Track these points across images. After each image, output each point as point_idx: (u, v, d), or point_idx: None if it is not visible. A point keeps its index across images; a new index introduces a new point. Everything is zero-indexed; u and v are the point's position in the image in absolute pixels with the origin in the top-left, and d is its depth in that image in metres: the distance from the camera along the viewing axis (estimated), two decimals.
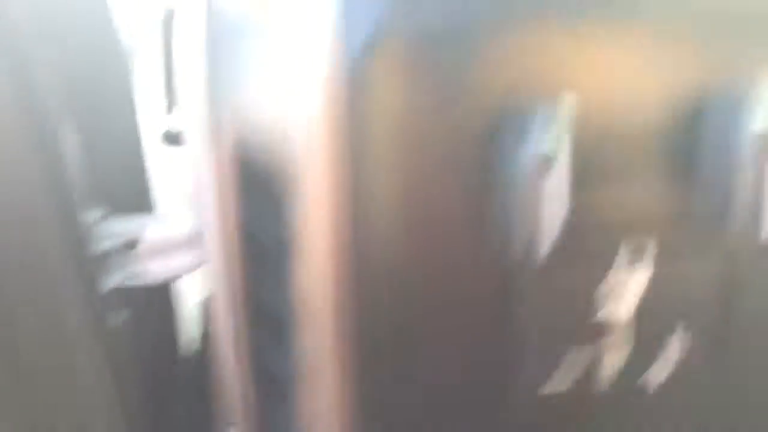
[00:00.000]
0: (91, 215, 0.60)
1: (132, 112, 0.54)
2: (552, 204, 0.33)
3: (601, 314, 0.37)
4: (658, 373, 0.39)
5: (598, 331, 0.38)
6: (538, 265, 0.34)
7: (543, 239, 0.33)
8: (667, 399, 0.39)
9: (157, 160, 0.57)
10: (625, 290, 0.37)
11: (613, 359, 0.38)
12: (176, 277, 0.53)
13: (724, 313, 0.38)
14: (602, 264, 0.37)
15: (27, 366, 0.53)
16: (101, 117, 0.53)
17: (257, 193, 0.41)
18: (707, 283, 0.37)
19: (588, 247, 0.36)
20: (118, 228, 0.59)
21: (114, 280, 0.59)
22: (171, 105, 0.60)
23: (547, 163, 0.32)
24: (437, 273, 0.37)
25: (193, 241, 0.51)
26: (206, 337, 0.56)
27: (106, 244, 0.59)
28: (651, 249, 0.36)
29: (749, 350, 0.39)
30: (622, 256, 0.37)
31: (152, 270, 0.56)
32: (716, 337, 0.38)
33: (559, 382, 0.39)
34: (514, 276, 0.36)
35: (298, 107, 0.36)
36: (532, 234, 0.33)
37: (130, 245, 0.56)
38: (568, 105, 0.34)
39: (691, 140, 0.35)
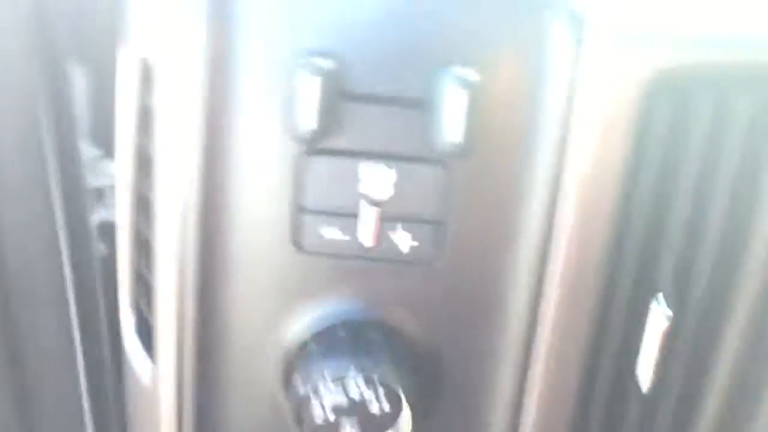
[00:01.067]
0: (89, 153, 0.71)
1: None
2: None
3: None
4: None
5: None
6: None
7: None
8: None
9: None
10: None
11: None
12: None
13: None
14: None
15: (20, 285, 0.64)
16: (111, 64, 0.65)
17: None
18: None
19: None
20: (112, 169, 0.70)
21: (101, 215, 0.70)
22: None
23: None
24: None
25: None
26: None
27: (99, 181, 0.70)
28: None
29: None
30: None
31: None
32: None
33: None
34: None
35: None
36: None
37: None
38: None
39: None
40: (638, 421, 0.63)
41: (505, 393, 0.58)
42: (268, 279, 0.55)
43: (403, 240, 0.54)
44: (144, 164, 0.57)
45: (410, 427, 0.55)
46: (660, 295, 0.58)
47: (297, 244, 0.54)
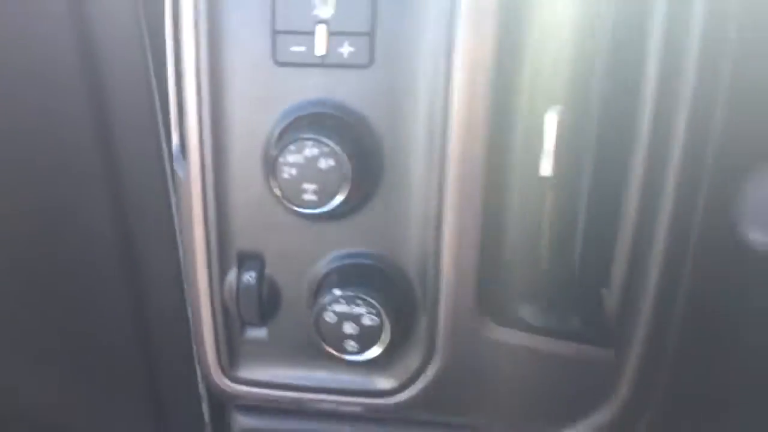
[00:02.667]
0: None
1: None
2: None
3: None
4: None
5: None
6: None
7: None
8: None
9: None
10: None
11: None
12: None
13: None
14: None
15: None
16: None
17: None
18: None
19: None
20: None
21: None
22: None
23: None
24: None
25: None
26: None
27: None
28: None
29: None
30: None
31: None
32: None
33: None
34: None
35: None
36: None
37: None
38: None
39: None
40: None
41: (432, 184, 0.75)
42: (255, 88, 0.77)
43: (345, 48, 0.74)
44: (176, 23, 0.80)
45: (356, 192, 0.74)
46: None
47: (274, 59, 0.75)
